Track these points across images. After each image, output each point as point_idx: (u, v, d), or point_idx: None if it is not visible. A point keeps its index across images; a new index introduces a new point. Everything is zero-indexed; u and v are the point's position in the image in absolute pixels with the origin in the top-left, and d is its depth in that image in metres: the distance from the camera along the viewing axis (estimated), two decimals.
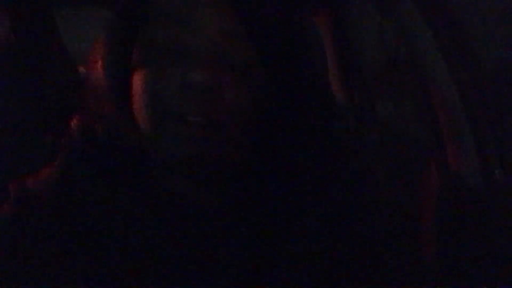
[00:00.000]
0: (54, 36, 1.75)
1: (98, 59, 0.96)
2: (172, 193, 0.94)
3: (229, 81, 0.90)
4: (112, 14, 0.96)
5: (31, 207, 0.95)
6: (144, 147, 0.94)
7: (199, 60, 0.89)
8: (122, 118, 0.94)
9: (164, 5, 0.92)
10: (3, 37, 1.67)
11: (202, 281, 0.92)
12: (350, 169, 0.97)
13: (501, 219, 1.60)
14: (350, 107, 2.01)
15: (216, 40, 0.90)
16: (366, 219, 0.97)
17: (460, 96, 1.71)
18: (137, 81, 0.92)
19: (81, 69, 1.68)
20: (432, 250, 1.56)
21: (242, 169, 0.95)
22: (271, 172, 0.95)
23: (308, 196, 0.95)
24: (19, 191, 0.97)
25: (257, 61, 0.91)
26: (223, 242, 0.93)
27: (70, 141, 0.97)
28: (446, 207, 1.64)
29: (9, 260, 0.94)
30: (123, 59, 0.94)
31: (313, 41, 1.00)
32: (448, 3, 1.78)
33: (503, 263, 1.50)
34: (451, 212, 1.64)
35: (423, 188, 1.65)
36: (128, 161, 0.95)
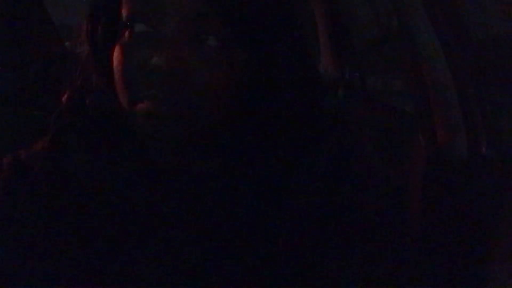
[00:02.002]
0: (40, 9, 1.74)
1: (84, 33, 0.96)
2: (159, 162, 0.95)
3: (201, 61, 0.89)
4: None
5: (24, 179, 0.96)
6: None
7: (167, 42, 0.89)
8: (108, 92, 0.94)
9: None
10: None
11: (195, 251, 0.93)
12: (339, 141, 0.97)
13: (487, 193, 1.61)
14: (341, 80, 2.02)
15: (187, 21, 0.89)
16: (354, 191, 0.97)
17: (450, 71, 1.71)
18: (115, 57, 0.92)
19: (67, 44, 1.67)
20: (419, 222, 1.57)
21: (229, 142, 0.95)
22: (258, 148, 0.95)
23: (296, 168, 0.95)
24: (12, 163, 0.98)
25: (236, 41, 0.91)
26: (214, 210, 0.94)
27: (60, 115, 0.98)
28: (433, 180, 1.65)
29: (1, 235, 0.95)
30: (107, 33, 0.94)
31: (303, 17, 0.99)
32: None
33: (487, 236, 1.52)
34: (437, 185, 1.65)
35: (410, 160, 1.66)
36: (117, 132, 0.96)
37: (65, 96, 0.98)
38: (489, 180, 1.64)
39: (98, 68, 0.95)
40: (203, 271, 0.93)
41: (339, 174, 0.96)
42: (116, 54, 0.91)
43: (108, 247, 0.93)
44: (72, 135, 0.97)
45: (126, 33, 0.91)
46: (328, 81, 1.87)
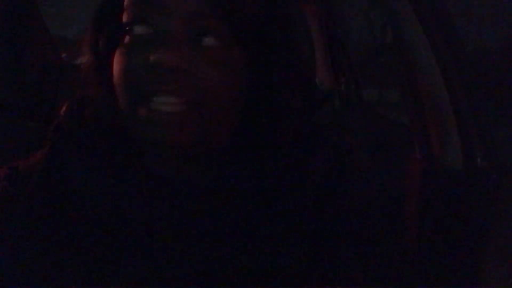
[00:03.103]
0: (37, 21, 1.74)
1: (85, 43, 0.97)
2: (158, 172, 0.95)
3: (201, 61, 0.90)
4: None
5: (22, 190, 0.96)
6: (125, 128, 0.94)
7: (169, 42, 0.90)
8: (109, 102, 0.94)
9: None
10: None
11: (191, 260, 0.93)
12: (334, 152, 0.98)
13: (481, 204, 1.62)
14: (336, 92, 2.02)
15: (187, 21, 0.90)
16: (349, 201, 0.97)
17: (444, 82, 1.72)
18: (115, 64, 0.92)
19: (64, 55, 1.67)
20: (415, 233, 1.58)
21: (226, 149, 0.95)
22: (254, 154, 0.95)
23: (290, 178, 0.95)
24: (10, 175, 0.98)
25: (234, 41, 0.91)
26: (211, 221, 0.94)
27: (58, 126, 0.98)
28: (429, 192, 1.65)
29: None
30: (109, 44, 0.94)
31: (299, 28, 1.00)
32: None
33: (481, 246, 1.52)
34: (433, 196, 1.65)
35: (406, 171, 1.66)
36: (115, 144, 0.95)
37: (64, 107, 0.98)
38: (484, 191, 1.64)
39: (99, 78, 0.95)
40: (197, 280, 0.93)
41: (334, 185, 0.96)
42: (117, 58, 0.92)
43: (106, 258, 0.93)
44: (70, 146, 0.97)
45: (126, 37, 0.92)
46: (324, 92, 1.87)
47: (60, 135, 0.97)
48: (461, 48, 1.74)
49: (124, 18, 0.92)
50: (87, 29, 0.96)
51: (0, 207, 0.96)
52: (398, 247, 1.02)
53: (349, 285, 0.94)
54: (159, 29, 0.90)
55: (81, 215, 0.94)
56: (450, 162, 1.68)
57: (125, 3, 0.92)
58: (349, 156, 0.99)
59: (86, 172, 0.95)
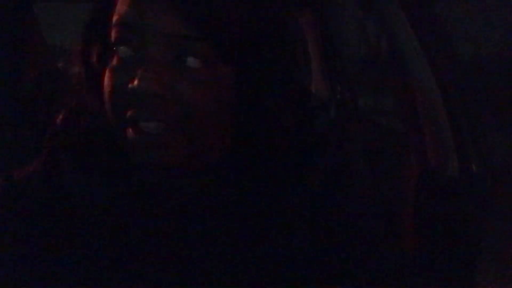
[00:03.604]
0: (34, 30, 1.74)
1: (77, 54, 0.96)
2: (154, 180, 0.95)
3: (184, 83, 0.88)
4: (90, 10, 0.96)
5: (17, 200, 0.96)
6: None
7: (150, 64, 0.88)
8: (101, 113, 0.93)
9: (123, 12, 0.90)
10: None
11: (182, 271, 0.93)
12: (330, 160, 0.97)
13: (477, 209, 1.62)
14: (332, 100, 2.03)
15: (169, 43, 0.88)
16: (346, 209, 0.96)
17: (439, 91, 1.72)
18: (104, 81, 0.91)
19: (60, 65, 1.67)
20: (412, 240, 1.58)
21: (219, 164, 0.94)
22: (250, 166, 0.94)
23: (288, 187, 0.95)
24: (5, 184, 0.98)
25: (219, 60, 0.89)
26: (203, 235, 0.94)
27: (54, 135, 0.97)
28: (425, 198, 1.66)
29: None
30: (98, 57, 0.94)
31: (294, 38, 0.99)
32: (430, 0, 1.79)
33: (479, 251, 1.53)
34: (428, 203, 1.66)
35: (402, 178, 1.66)
36: (110, 153, 0.95)
37: (60, 116, 0.97)
38: (479, 197, 1.65)
39: (90, 90, 0.95)
40: (191, 282, 0.93)
41: (331, 193, 0.96)
42: (106, 76, 0.91)
43: (103, 263, 0.93)
44: (66, 155, 0.96)
45: (114, 58, 0.91)
46: (320, 101, 1.88)
47: (56, 144, 0.97)
48: (456, 55, 1.75)
49: (111, 37, 0.91)
50: (78, 42, 0.96)
51: None
52: (395, 252, 1.02)
53: (349, 285, 0.95)
54: (140, 51, 0.89)
55: (78, 222, 0.94)
56: (445, 168, 1.68)
57: (112, 22, 0.91)
58: (346, 164, 0.99)
59: (82, 180, 0.95)
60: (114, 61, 0.90)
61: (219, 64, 0.90)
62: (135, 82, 0.87)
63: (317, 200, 0.96)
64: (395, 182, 1.61)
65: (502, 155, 1.66)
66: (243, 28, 0.90)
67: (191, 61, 0.89)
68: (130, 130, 0.89)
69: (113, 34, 0.91)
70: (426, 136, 1.72)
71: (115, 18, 0.91)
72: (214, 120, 0.90)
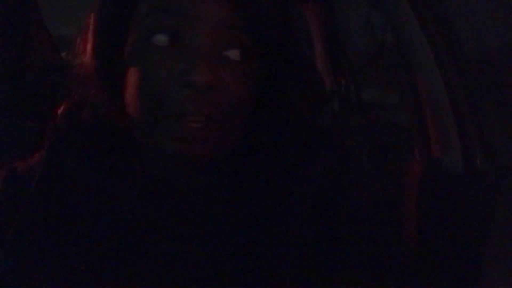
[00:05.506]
0: (37, 20, 1.74)
1: (87, 46, 0.94)
2: (158, 175, 0.95)
3: (227, 75, 0.88)
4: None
5: (20, 192, 0.96)
6: (134, 135, 0.93)
7: (198, 55, 0.86)
8: (111, 106, 0.93)
9: None
10: None
11: (191, 266, 0.93)
12: (334, 153, 0.98)
13: (481, 205, 1.62)
14: (336, 93, 2.03)
15: (215, 33, 0.87)
16: (349, 203, 0.97)
17: (444, 84, 1.72)
18: (133, 72, 0.89)
19: (64, 55, 1.67)
20: (415, 235, 1.58)
21: (234, 156, 0.94)
22: (258, 156, 0.95)
23: (292, 180, 0.95)
24: (8, 176, 0.98)
25: (253, 52, 0.89)
26: (213, 224, 0.94)
27: (56, 127, 0.97)
28: (429, 193, 1.66)
29: None
30: (115, 47, 0.92)
31: (300, 30, 1.00)
32: None
33: (481, 248, 1.52)
34: (432, 198, 1.66)
35: (405, 173, 1.67)
36: (115, 146, 0.95)
37: (62, 108, 0.97)
38: (483, 193, 1.65)
39: (103, 83, 0.93)
40: (197, 282, 0.93)
41: (334, 186, 0.97)
42: (133, 68, 0.89)
43: (105, 258, 0.93)
44: (67, 147, 0.96)
45: (143, 46, 0.89)
46: (325, 93, 1.88)
47: (57, 136, 0.97)
48: (462, 49, 1.74)
49: (141, 25, 0.89)
50: (89, 31, 0.94)
51: None
52: (397, 248, 1.02)
53: (349, 285, 0.95)
54: (185, 40, 0.87)
55: (80, 216, 0.94)
56: (449, 163, 1.68)
57: (143, 9, 0.89)
58: (349, 158, 0.99)
59: (84, 173, 0.95)
60: (145, 51, 0.88)
61: (253, 57, 0.89)
62: (188, 77, 0.85)
63: (320, 193, 0.96)
64: (398, 177, 1.61)
65: (508, 152, 1.65)
66: (270, 20, 0.90)
67: (233, 53, 0.88)
68: (166, 123, 0.87)
69: (149, 21, 0.88)
70: (430, 130, 1.72)
71: (150, 4, 0.88)
72: (243, 114, 0.90)
